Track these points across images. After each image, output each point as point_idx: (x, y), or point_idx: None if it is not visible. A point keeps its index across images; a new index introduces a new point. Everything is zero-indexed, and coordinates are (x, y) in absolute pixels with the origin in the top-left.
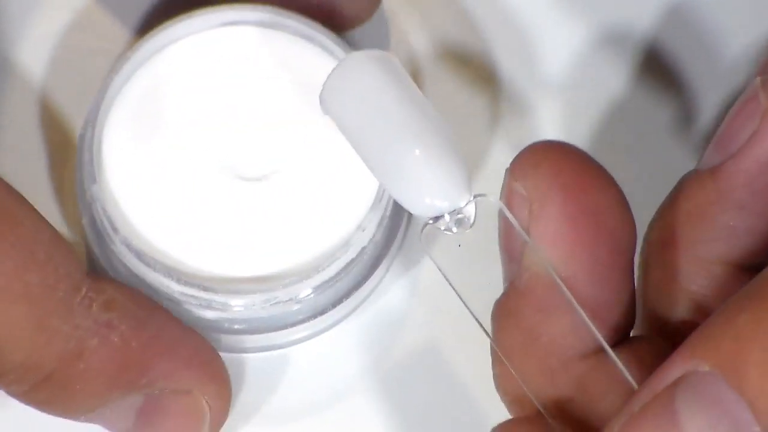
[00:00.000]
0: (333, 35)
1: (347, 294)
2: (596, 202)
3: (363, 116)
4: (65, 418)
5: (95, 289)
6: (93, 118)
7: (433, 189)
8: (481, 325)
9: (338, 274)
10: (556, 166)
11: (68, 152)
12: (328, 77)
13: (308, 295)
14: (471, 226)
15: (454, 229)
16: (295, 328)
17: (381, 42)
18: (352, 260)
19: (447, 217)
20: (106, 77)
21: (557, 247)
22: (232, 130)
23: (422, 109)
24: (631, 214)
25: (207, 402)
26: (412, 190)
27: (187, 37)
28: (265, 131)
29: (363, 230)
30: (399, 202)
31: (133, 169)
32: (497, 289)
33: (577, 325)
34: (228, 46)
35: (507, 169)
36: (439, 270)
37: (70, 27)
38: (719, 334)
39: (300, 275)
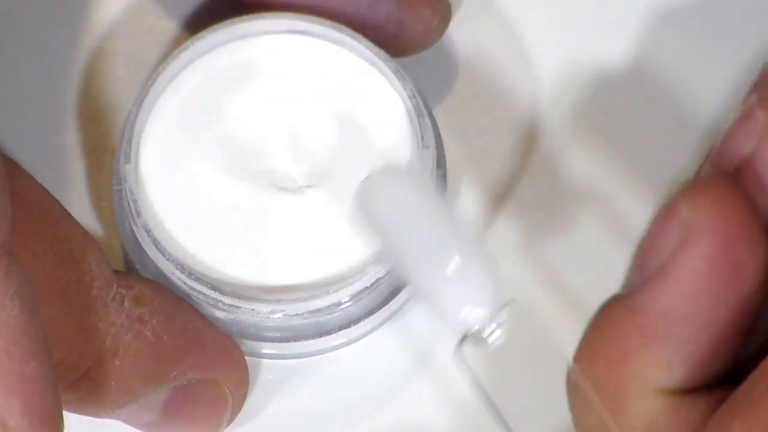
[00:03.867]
0: (396, 65)
1: (378, 307)
2: (741, 260)
3: (392, 235)
4: (91, 416)
5: (124, 285)
6: (141, 101)
7: (471, 301)
8: None
9: (360, 292)
10: (725, 210)
11: (104, 155)
12: (355, 194)
13: (343, 305)
14: (506, 335)
15: (491, 340)
16: (330, 336)
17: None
18: (379, 279)
19: (483, 329)
20: (161, 63)
21: (688, 284)
22: (275, 139)
23: (451, 222)
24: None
25: (229, 388)
26: (450, 305)
27: (250, 38)
28: (306, 145)
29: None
30: (438, 318)
31: (169, 159)
32: (532, 397)
33: (671, 362)
34: (287, 54)
35: (681, 187)
36: (476, 385)
37: (108, 30)
38: None
39: (323, 288)
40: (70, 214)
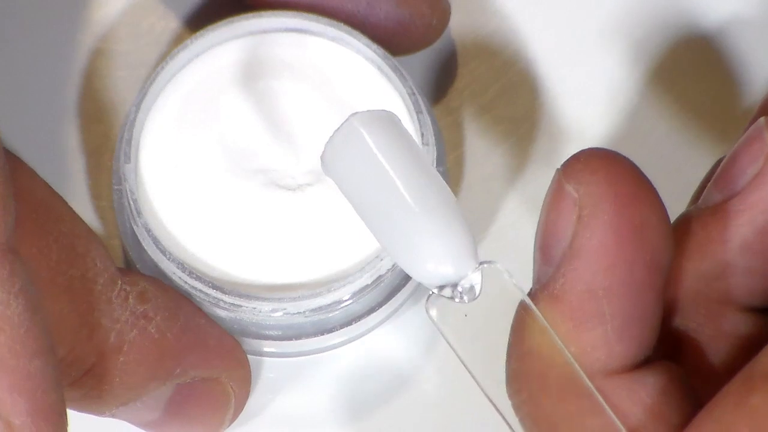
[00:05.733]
0: (394, 62)
1: (379, 305)
2: (643, 219)
3: (364, 182)
4: (94, 414)
5: (128, 281)
6: (140, 101)
7: (437, 256)
8: (489, 398)
9: (361, 291)
10: (612, 175)
11: (105, 155)
12: (329, 139)
13: (344, 303)
14: (477, 295)
15: (461, 298)
16: (331, 334)
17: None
18: (380, 276)
19: (453, 286)
20: (161, 62)
21: (599, 258)
22: (274, 137)
23: (425, 174)
24: (672, 235)
25: (232, 387)
26: (416, 258)
27: (248, 36)
28: (306, 143)
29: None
30: (404, 270)
31: (169, 158)
32: (503, 359)
33: (608, 339)
34: (285, 52)
35: (559, 169)
36: (446, 341)
37: (108, 30)
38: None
39: (323, 286)
40: (73, 211)
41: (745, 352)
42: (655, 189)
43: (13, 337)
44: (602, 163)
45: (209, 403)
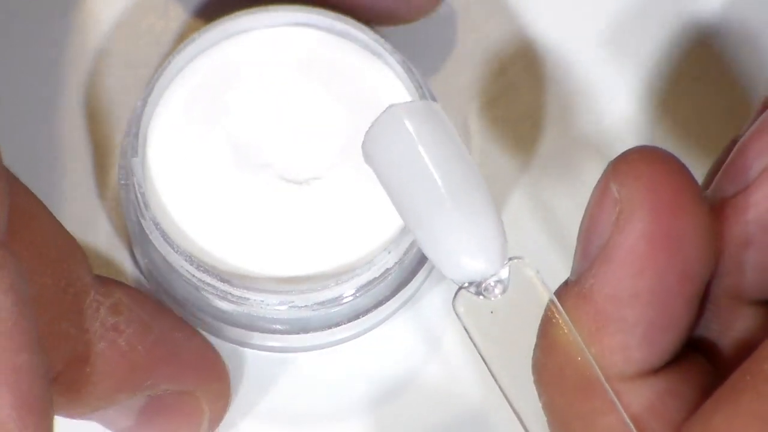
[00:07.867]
0: (401, 56)
1: (386, 298)
2: (682, 228)
3: (401, 172)
4: (65, 417)
5: (103, 292)
6: (148, 95)
7: (469, 251)
8: (506, 397)
9: (371, 282)
10: (655, 182)
11: (109, 153)
12: (370, 127)
13: (350, 296)
14: (504, 291)
15: (489, 295)
16: (338, 328)
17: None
18: (387, 269)
19: (481, 282)
20: (168, 56)
21: (629, 264)
22: (281, 131)
23: (464, 168)
24: (714, 243)
25: (207, 401)
26: (449, 252)
27: (255, 31)
28: (313, 137)
29: (404, 235)
30: (435, 264)
31: (177, 152)
32: (526, 358)
33: (627, 345)
34: (292, 46)
35: (609, 164)
36: (470, 338)
37: (109, 29)
38: None
39: (328, 280)
40: (52, 216)
41: (754, 347)
42: (701, 197)
43: (0, 331)
44: (647, 169)
45: (181, 416)
